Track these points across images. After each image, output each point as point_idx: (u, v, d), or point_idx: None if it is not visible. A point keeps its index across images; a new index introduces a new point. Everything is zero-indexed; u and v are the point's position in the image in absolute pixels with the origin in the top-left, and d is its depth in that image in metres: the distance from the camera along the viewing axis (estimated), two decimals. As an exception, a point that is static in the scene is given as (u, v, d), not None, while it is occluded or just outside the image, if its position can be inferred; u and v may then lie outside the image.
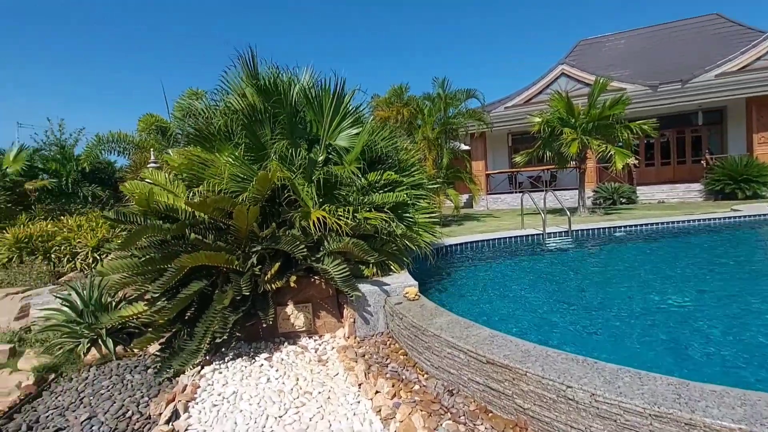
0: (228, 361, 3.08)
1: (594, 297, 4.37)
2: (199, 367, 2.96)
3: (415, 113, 10.40)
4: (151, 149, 8.24)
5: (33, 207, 9.31)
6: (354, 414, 2.33)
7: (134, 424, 2.42)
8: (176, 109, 8.34)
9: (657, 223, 8.33)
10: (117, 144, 9.23)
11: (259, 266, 3.31)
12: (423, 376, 2.67)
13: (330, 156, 4.16)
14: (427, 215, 4.48)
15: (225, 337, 3.04)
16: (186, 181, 3.78)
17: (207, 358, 3.08)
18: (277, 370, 2.91)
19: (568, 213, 7.79)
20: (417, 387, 2.51)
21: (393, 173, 4.15)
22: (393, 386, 2.49)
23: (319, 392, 2.60)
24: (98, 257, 5.64)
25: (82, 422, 2.46)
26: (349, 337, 3.41)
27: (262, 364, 3.01)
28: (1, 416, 2.63)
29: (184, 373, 2.91)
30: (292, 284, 3.27)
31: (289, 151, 3.80)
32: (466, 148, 17.32)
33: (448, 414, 2.20)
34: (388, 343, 3.25)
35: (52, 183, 9.85)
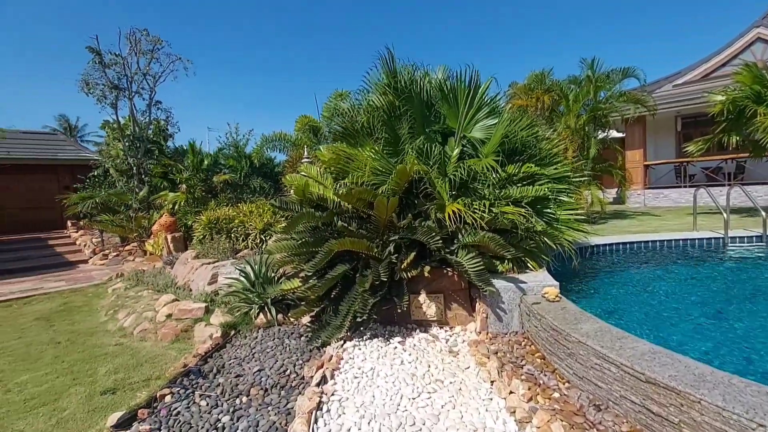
0: (365, 340, 3.35)
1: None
2: (342, 342, 3.30)
3: (558, 99, 9.46)
4: (305, 146, 9.37)
5: (218, 196, 11.52)
6: (486, 410, 2.30)
7: (292, 382, 2.84)
8: (324, 110, 9.34)
9: None
10: (278, 142, 10.82)
11: (396, 254, 3.50)
12: (563, 383, 2.47)
13: (465, 148, 4.12)
14: (571, 211, 4.09)
15: (365, 317, 3.31)
16: (334, 174, 4.21)
17: (348, 334, 3.41)
18: (410, 354, 3.05)
19: (764, 213, 6.16)
20: (557, 395, 2.34)
21: (532, 165, 3.90)
22: (529, 389, 2.37)
23: (450, 382, 2.63)
24: (264, 238, 6.72)
25: (254, 372, 2.99)
26: (480, 332, 3.36)
27: (395, 347, 3.19)
28: (200, 359, 3.38)
29: (330, 344, 3.28)
30: (426, 274, 3.37)
31: (425, 145, 3.89)
32: (619, 135, 15.08)
33: (594, 430, 2.00)
34: (522, 343, 3.10)
35: (232, 177, 12.00)
